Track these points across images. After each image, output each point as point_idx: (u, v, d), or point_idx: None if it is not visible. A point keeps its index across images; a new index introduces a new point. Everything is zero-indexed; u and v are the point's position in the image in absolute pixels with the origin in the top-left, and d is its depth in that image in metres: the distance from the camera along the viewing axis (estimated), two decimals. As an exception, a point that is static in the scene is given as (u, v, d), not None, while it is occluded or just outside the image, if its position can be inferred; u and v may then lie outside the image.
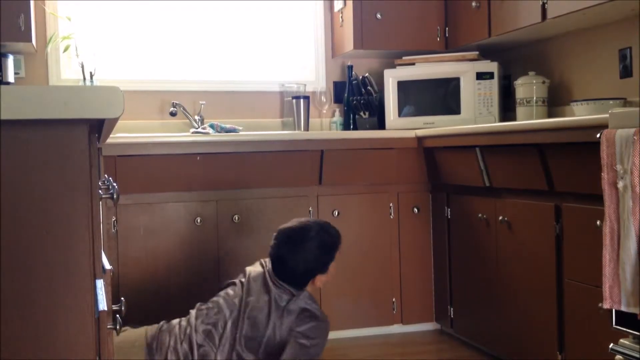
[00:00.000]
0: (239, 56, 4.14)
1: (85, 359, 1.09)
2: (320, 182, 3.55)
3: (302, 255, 2.69)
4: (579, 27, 3.34)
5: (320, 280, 2.77)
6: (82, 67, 3.71)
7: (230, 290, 2.73)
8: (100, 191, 1.35)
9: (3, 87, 1.01)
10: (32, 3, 3.48)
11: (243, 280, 2.74)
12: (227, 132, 3.67)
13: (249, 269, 2.81)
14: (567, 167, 2.60)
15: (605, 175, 2.09)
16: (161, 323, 2.66)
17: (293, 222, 2.78)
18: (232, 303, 2.66)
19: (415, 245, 3.73)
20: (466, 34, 3.81)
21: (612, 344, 2.14)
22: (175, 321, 2.66)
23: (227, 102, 4.06)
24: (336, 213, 3.60)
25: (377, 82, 4.04)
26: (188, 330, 2.60)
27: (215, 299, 2.72)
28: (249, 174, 3.43)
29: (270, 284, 2.69)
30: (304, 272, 2.70)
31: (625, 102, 3.02)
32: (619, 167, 2.03)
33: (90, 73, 3.70)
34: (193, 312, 2.69)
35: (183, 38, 4.04)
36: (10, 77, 3.49)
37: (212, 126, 3.71)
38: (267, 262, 2.78)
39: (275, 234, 2.76)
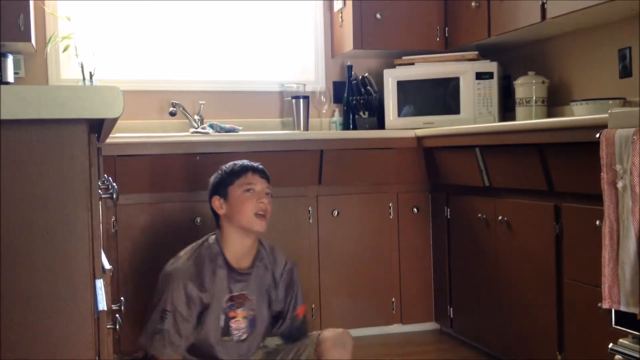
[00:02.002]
0: (239, 56, 4.14)
1: (85, 358, 1.09)
2: (320, 182, 3.55)
3: None
4: (578, 27, 3.34)
5: (217, 205, 2.81)
6: (82, 67, 3.70)
7: None
8: (99, 191, 1.35)
9: (3, 87, 1.01)
10: (31, 3, 3.47)
11: None
12: (226, 132, 3.67)
13: None
14: (567, 167, 2.60)
15: (604, 175, 2.09)
16: None
17: None
18: None
19: (415, 245, 3.73)
20: (466, 34, 3.80)
21: (611, 344, 2.14)
22: None
23: (227, 102, 4.06)
24: (336, 213, 3.60)
25: (377, 82, 4.04)
26: None
27: None
28: (248, 174, 3.42)
29: None
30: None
31: (625, 102, 3.02)
32: (618, 167, 2.03)
33: (90, 73, 3.70)
34: None
35: (183, 38, 4.04)
36: (10, 77, 3.49)
37: (211, 126, 3.71)
38: None
39: None
